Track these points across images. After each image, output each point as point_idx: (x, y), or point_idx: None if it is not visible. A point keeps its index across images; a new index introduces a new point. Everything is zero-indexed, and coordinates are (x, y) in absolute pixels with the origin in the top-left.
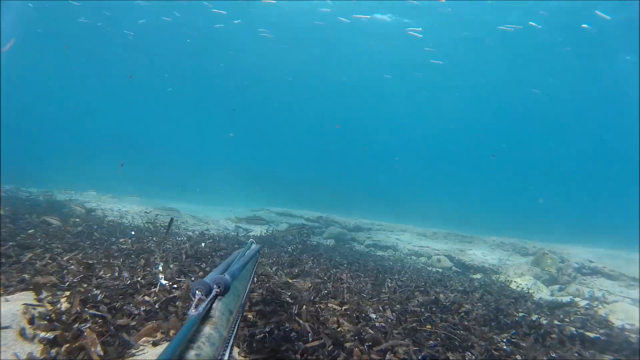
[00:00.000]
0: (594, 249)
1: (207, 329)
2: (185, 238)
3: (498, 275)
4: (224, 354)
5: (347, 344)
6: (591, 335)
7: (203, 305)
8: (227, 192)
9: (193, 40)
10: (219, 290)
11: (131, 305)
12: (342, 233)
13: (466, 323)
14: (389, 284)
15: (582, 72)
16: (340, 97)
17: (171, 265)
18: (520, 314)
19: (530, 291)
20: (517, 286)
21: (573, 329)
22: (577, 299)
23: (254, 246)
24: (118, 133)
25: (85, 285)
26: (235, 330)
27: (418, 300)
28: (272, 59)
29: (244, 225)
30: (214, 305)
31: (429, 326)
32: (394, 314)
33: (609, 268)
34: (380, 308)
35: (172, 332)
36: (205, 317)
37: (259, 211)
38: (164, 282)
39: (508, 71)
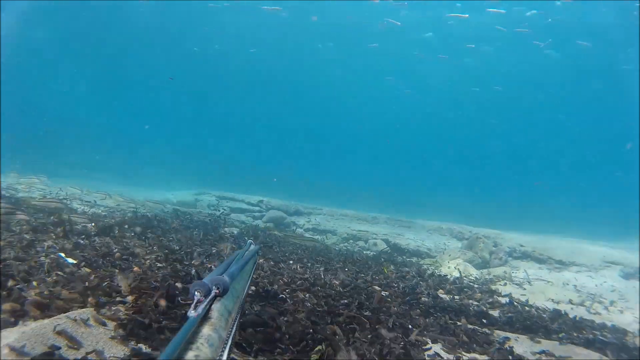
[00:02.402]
0: (530, 235)
1: (206, 330)
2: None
3: (431, 259)
4: (222, 355)
5: None
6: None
7: (202, 306)
8: (168, 175)
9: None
10: (217, 291)
11: None
12: (281, 217)
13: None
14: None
15: None
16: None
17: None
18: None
19: (456, 273)
20: (447, 268)
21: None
22: (502, 281)
23: (252, 247)
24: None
25: None
26: (234, 331)
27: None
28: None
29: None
30: (213, 306)
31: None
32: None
33: (538, 252)
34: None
35: None
36: (204, 318)
37: (200, 194)
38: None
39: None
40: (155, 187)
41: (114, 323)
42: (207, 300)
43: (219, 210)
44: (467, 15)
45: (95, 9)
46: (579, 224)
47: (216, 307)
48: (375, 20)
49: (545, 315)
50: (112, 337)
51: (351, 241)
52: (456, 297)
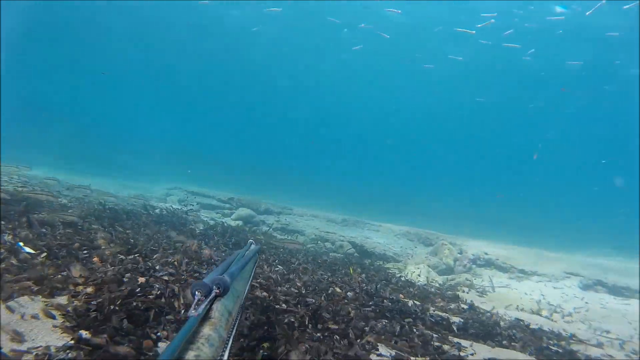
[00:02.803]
0: (497, 243)
1: (207, 330)
2: None
3: (397, 263)
4: (223, 355)
5: None
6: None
7: (202, 306)
8: (145, 168)
9: None
10: (218, 291)
11: None
12: (251, 215)
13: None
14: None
15: None
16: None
17: None
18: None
19: (420, 278)
20: (411, 273)
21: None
22: (463, 288)
23: (253, 247)
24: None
25: None
26: (234, 331)
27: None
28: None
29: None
30: (214, 306)
31: None
32: None
33: (501, 260)
34: None
35: None
36: (205, 318)
37: (172, 189)
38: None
39: None
40: (130, 179)
41: (62, 313)
42: (208, 300)
43: (187, 206)
44: (400, 11)
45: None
46: (551, 235)
47: (216, 307)
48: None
49: (502, 323)
50: (58, 327)
51: (319, 242)
52: (417, 302)
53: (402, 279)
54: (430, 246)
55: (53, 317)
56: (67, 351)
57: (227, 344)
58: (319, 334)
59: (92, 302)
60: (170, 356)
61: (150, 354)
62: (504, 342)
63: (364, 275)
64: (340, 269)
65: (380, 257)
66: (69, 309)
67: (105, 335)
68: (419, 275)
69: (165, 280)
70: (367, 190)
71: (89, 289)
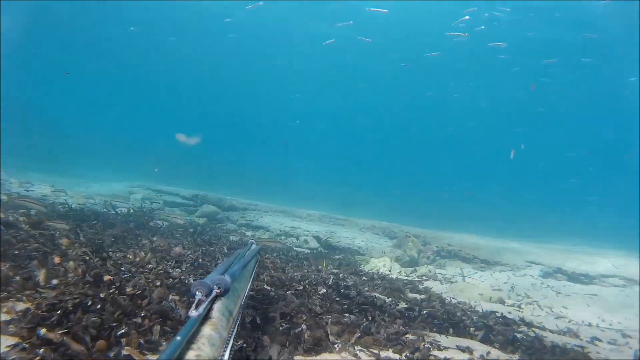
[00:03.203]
0: (462, 235)
1: (207, 330)
2: None
3: (361, 257)
4: (224, 355)
5: None
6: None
7: (203, 305)
8: (104, 166)
9: None
10: (219, 291)
11: None
12: (215, 212)
13: None
14: None
15: None
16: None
17: None
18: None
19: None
20: (375, 266)
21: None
22: (426, 279)
23: (253, 247)
24: None
25: None
26: (235, 330)
27: None
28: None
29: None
30: (214, 306)
31: None
32: None
33: (465, 251)
34: None
35: None
36: (205, 317)
37: (135, 187)
38: None
39: None
40: (88, 178)
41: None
42: (208, 299)
43: (153, 204)
44: (386, 11)
45: None
46: (517, 227)
47: (217, 306)
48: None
49: (465, 313)
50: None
51: (283, 237)
52: (379, 294)
53: (371, 272)
54: (394, 239)
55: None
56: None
57: (228, 343)
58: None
59: (54, 302)
60: (170, 356)
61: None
62: (473, 331)
63: (335, 270)
64: (310, 264)
65: (344, 251)
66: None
67: (60, 332)
68: (383, 267)
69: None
70: (337, 189)
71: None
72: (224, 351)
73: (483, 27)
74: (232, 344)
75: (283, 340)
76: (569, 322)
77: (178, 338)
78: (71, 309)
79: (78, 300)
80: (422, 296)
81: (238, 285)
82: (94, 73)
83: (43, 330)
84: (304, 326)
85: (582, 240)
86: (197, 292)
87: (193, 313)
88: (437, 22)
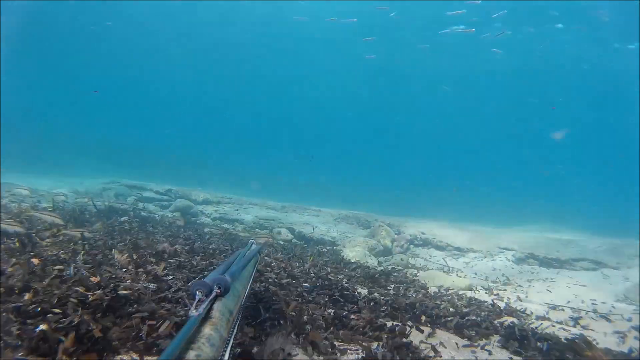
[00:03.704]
0: (436, 224)
1: (207, 330)
2: None
3: (335, 247)
4: (224, 355)
5: None
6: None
7: (203, 305)
8: (79, 162)
9: None
10: (219, 291)
11: None
12: (189, 206)
13: None
14: None
15: None
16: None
17: None
18: None
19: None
20: (346, 255)
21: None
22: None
23: (254, 247)
24: None
25: None
26: (235, 330)
27: None
28: None
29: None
30: (214, 305)
31: None
32: None
33: (438, 240)
34: None
35: None
36: (206, 317)
37: (109, 184)
38: None
39: None
40: (62, 175)
41: None
42: (209, 299)
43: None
44: (387, 7)
45: None
46: (491, 214)
47: (217, 306)
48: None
49: (437, 301)
50: None
51: (257, 230)
52: (361, 286)
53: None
54: (368, 229)
55: None
56: None
57: (228, 343)
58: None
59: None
60: (170, 356)
61: None
62: (442, 320)
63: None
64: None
65: (318, 242)
66: None
67: None
68: (355, 257)
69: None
70: (312, 179)
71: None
72: (224, 351)
73: None
74: (232, 343)
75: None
76: (548, 305)
77: (178, 338)
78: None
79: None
80: (391, 285)
81: (238, 285)
82: (71, 71)
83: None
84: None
85: (555, 226)
86: (197, 292)
87: (193, 313)
88: None
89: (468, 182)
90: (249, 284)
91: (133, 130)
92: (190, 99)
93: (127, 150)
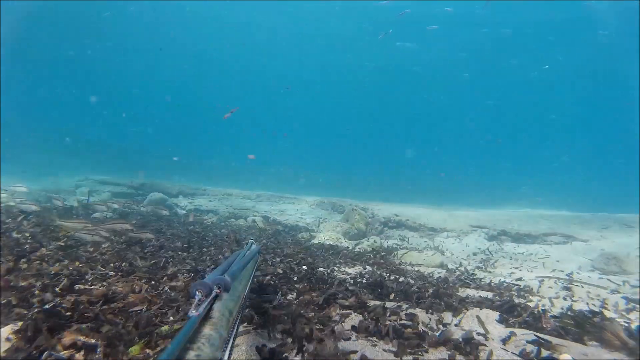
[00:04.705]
0: (409, 206)
1: (207, 330)
2: None
3: (310, 233)
4: (224, 355)
5: None
6: None
7: (203, 305)
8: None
9: None
10: (219, 290)
11: None
12: (163, 199)
13: None
14: None
15: None
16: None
17: None
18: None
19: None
20: (319, 240)
21: None
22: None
23: (253, 247)
24: None
25: None
26: (235, 330)
27: None
28: None
29: None
30: (214, 305)
31: None
32: None
33: (411, 221)
34: None
35: None
36: (205, 317)
37: (82, 181)
38: None
39: None
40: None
41: None
42: (208, 299)
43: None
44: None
45: None
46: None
47: (217, 306)
48: None
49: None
50: None
51: (232, 220)
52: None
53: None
54: (342, 213)
55: None
56: None
57: (228, 343)
58: None
59: None
60: (170, 356)
61: None
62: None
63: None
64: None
65: (292, 229)
66: None
67: None
68: (328, 241)
69: None
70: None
71: None
72: (224, 351)
73: None
74: (232, 343)
75: None
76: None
77: (178, 338)
78: None
79: None
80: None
81: (238, 285)
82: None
83: None
84: None
85: (529, 203)
86: (197, 292)
87: (193, 313)
88: None
89: (452, 168)
90: (249, 284)
91: (110, 129)
92: (159, 98)
93: (107, 150)
